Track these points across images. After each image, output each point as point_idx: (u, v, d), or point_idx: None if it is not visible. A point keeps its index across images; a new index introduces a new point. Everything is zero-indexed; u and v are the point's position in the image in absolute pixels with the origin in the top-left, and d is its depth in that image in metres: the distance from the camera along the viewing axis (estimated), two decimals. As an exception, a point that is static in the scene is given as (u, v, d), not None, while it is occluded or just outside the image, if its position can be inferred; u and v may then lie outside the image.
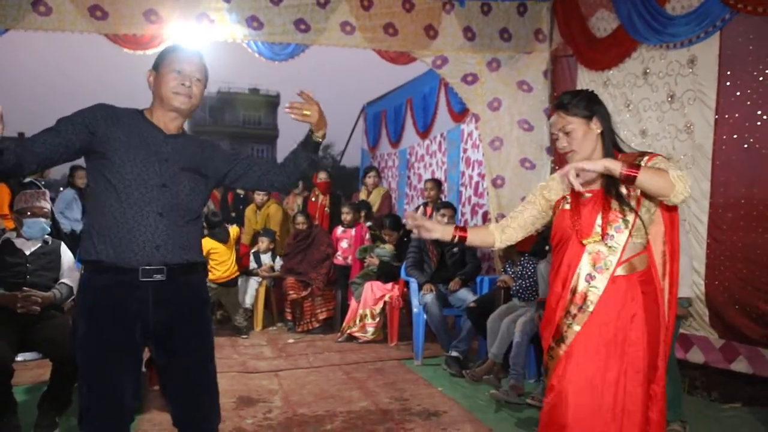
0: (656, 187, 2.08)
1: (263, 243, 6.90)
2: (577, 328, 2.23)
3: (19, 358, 3.51)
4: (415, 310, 5.41)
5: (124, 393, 2.16)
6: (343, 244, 6.80)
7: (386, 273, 6.09)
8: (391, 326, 5.96)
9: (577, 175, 2.10)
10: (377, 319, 5.98)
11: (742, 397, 4.10)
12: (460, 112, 7.61)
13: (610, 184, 2.21)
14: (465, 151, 7.71)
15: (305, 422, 3.77)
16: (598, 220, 2.22)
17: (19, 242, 3.73)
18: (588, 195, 2.26)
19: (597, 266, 2.23)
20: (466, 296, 5.27)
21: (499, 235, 2.48)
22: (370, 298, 6.02)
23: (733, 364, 4.20)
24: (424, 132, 8.82)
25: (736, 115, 4.25)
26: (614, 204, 2.22)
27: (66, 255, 3.82)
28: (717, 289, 4.33)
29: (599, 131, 2.28)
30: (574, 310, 2.24)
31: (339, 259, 6.75)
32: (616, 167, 2.08)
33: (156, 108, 2.29)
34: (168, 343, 2.25)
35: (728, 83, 4.29)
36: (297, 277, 6.59)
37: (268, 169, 2.49)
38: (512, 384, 4.18)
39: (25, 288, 3.54)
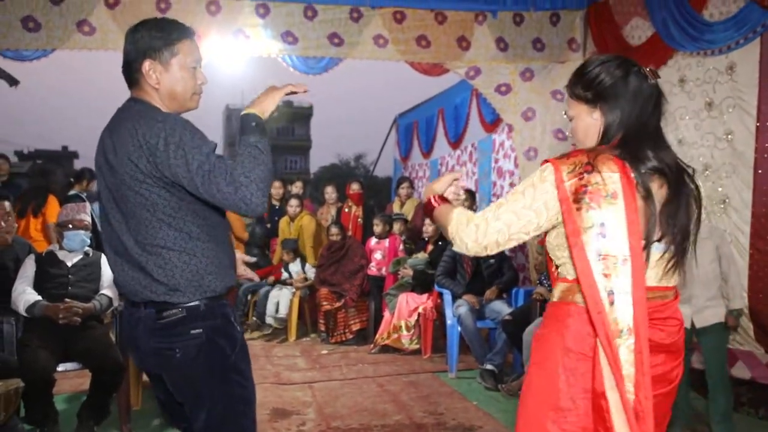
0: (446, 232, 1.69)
1: (287, 255, 6.98)
2: None
3: (60, 368, 3.58)
4: (449, 322, 5.37)
5: None
6: (377, 255, 6.81)
7: (422, 282, 6.04)
8: (425, 338, 5.92)
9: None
10: (412, 331, 5.95)
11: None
12: (491, 122, 7.56)
13: None
14: (497, 161, 7.65)
15: (340, 435, 3.77)
16: None
17: (61, 254, 3.83)
18: None
19: None
20: (501, 308, 5.21)
21: None
22: (405, 310, 5.99)
23: (780, 380, 4.07)
24: (456, 142, 8.80)
25: (779, 122, 4.14)
26: None
27: (106, 266, 3.89)
28: (761, 301, 4.19)
29: (602, 125, 1.64)
30: None
31: (373, 270, 6.75)
32: (428, 194, 1.76)
33: (162, 106, 1.85)
34: None
35: (770, 90, 4.19)
36: (330, 288, 6.61)
37: None
38: (548, 398, 4.11)
39: (66, 299, 3.63)
